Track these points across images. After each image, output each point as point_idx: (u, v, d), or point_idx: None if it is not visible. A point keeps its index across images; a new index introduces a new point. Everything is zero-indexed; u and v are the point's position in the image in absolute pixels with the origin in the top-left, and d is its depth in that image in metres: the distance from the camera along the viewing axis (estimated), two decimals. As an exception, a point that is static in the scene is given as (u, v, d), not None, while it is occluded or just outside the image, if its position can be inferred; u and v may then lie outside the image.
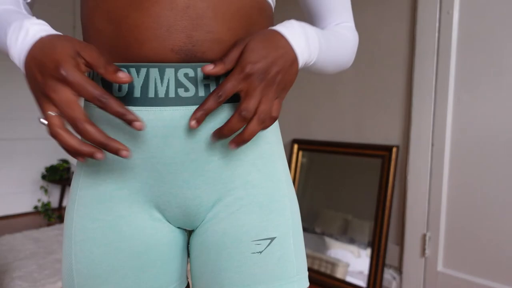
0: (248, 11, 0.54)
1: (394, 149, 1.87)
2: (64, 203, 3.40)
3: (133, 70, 0.50)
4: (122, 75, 0.44)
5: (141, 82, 0.50)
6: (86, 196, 0.55)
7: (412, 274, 1.81)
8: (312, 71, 0.60)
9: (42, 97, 0.45)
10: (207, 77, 0.50)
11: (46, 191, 3.32)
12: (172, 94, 0.50)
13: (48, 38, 0.45)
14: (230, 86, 0.46)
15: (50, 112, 0.44)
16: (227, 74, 0.50)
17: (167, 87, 0.50)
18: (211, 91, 0.50)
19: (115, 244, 0.53)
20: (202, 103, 0.48)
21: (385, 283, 1.89)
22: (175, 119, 0.50)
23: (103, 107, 0.44)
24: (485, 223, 1.60)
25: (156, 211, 0.55)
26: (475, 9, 1.60)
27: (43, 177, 3.23)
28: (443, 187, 1.71)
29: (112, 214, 0.53)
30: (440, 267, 1.73)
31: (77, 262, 0.54)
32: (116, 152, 0.44)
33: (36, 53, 0.45)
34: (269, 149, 0.59)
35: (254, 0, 0.54)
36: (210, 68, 0.47)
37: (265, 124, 0.49)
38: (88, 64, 0.45)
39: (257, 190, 0.56)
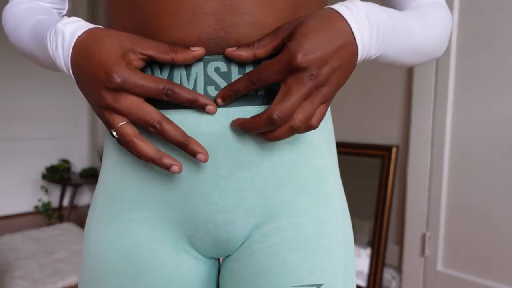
0: None
1: (394, 149, 1.87)
2: (64, 203, 3.40)
3: (155, 66, 0.42)
4: (195, 48, 0.39)
5: (165, 78, 0.41)
6: (102, 215, 0.47)
7: (412, 274, 1.81)
8: (383, 63, 0.46)
9: (105, 110, 0.39)
10: (243, 71, 0.41)
11: (46, 191, 3.32)
12: (200, 93, 0.41)
13: (88, 37, 0.39)
14: (270, 73, 0.37)
15: (120, 123, 0.39)
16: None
17: (194, 84, 0.41)
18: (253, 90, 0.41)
19: (130, 275, 0.45)
20: (232, 82, 0.40)
21: (385, 282, 1.89)
22: (202, 124, 0.41)
23: (172, 99, 0.38)
24: (485, 223, 1.60)
25: (182, 239, 0.46)
26: (475, 9, 1.60)
27: (44, 177, 3.23)
28: (443, 187, 1.71)
29: (131, 239, 0.45)
30: (439, 267, 1.73)
31: None
32: (194, 155, 0.38)
33: (81, 62, 0.39)
34: (322, 166, 0.47)
35: None
36: (232, 49, 0.40)
37: (299, 132, 0.38)
38: (148, 57, 0.39)
39: (304, 219, 0.45)
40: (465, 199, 1.65)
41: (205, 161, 0.39)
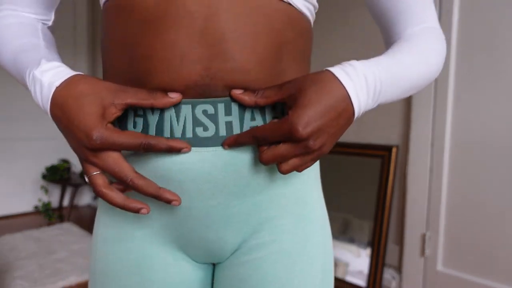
0: (276, 28, 0.45)
1: (394, 149, 1.87)
2: (64, 203, 3.41)
3: (148, 108, 0.43)
4: (173, 95, 0.42)
5: (156, 121, 0.43)
6: (107, 235, 0.51)
7: (412, 274, 1.81)
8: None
9: (84, 161, 0.43)
10: (229, 114, 0.44)
11: (46, 191, 3.32)
12: (189, 134, 0.43)
13: (67, 93, 0.41)
14: (273, 137, 0.40)
15: (93, 173, 0.43)
16: (250, 111, 0.44)
17: (184, 126, 0.43)
18: (233, 130, 0.44)
19: (139, 286, 0.49)
20: (239, 135, 0.43)
21: (384, 282, 1.89)
22: (192, 162, 0.44)
23: (149, 151, 0.42)
24: (485, 223, 1.60)
25: (179, 251, 0.50)
26: (475, 9, 1.60)
27: (44, 177, 3.23)
28: (443, 187, 1.71)
29: (135, 254, 0.49)
30: (439, 267, 1.73)
31: None
32: (168, 202, 0.43)
33: (60, 116, 0.42)
34: (304, 189, 0.52)
35: (282, 13, 0.45)
36: (239, 92, 0.43)
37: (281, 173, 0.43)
38: (128, 105, 0.42)
39: (287, 236, 0.49)
40: (465, 199, 1.65)
41: (179, 205, 0.44)
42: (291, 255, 0.49)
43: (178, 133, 0.43)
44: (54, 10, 0.59)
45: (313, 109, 0.39)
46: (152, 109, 0.43)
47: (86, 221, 3.07)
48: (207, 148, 0.44)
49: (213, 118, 0.43)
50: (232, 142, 0.43)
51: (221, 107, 0.43)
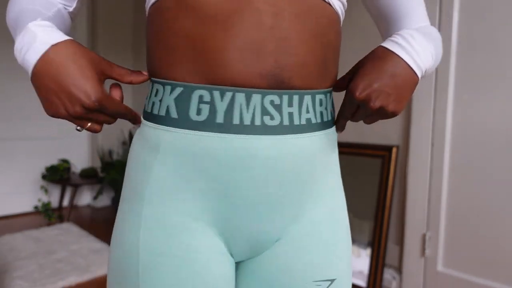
0: (322, 29, 0.50)
1: (394, 149, 1.87)
2: (64, 203, 3.40)
3: (216, 93, 0.46)
4: (145, 73, 0.51)
5: (225, 107, 0.46)
6: (154, 231, 0.48)
7: (412, 274, 1.81)
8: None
9: (73, 117, 0.46)
10: (291, 105, 0.48)
11: (46, 191, 3.32)
12: (258, 122, 0.46)
13: (64, 52, 0.44)
14: (347, 110, 0.53)
15: (88, 125, 0.48)
16: (306, 104, 0.50)
17: (253, 114, 0.46)
18: (294, 120, 0.48)
19: (188, 281, 0.48)
20: (341, 118, 0.54)
21: (385, 283, 1.89)
22: (260, 148, 0.46)
23: (133, 122, 0.51)
24: (485, 223, 1.60)
25: (224, 245, 0.51)
26: (475, 10, 1.60)
27: (43, 177, 3.23)
28: (443, 187, 1.71)
29: (184, 249, 0.48)
30: (440, 267, 1.73)
31: None
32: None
33: (54, 75, 0.44)
34: (335, 184, 0.57)
35: (327, 14, 0.50)
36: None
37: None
38: (110, 78, 0.48)
39: (323, 227, 0.54)
40: (465, 199, 1.65)
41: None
42: (326, 246, 0.54)
43: (247, 120, 0.46)
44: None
45: (369, 77, 0.48)
46: (222, 95, 0.46)
47: (86, 221, 3.07)
48: (273, 136, 0.47)
49: (278, 108, 0.47)
50: (343, 127, 0.55)
51: (285, 98, 0.47)
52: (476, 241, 1.62)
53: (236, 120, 0.46)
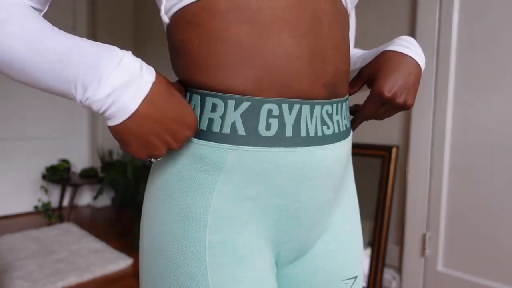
0: (348, 40, 0.53)
1: (394, 149, 1.87)
2: (64, 203, 3.40)
3: (285, 107, 0.43)
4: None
5: (293, 120, 0.44)
6: (221, 256, 0.45)
7: (412, 274, 1.81)
8: None
9: (163, 143, 0.42)
10: (337, 113, 0.50)
11: (46, 191, 3.32)
12: (319, 132, 0.47)
13: (164, 88, 0.41)
14: (371, 109, 0.58)
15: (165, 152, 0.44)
16: (344, 111, 0.53)
17: (315, 125, 0.46)
18: (340, 127, 0.51)
19: (241, 279, 0.45)
20: (354, 120, 0.59)
21: (385, 283, 1.89)
22: (323, 159, 0.47)
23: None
24: (485, 223, 1.60)
25: (274, 258, 0.51)
26: (475, 9, 1.60)
27: (43, 177, 3.23)
28: (443, 187, 1.71)
29: (255, 270, 0.46)
30: (440, 267, 1.73)
31: None
32: None
33: (162, 108, 0.40)
34: (354, 189, 0.61)
35: (347, 23, 0.54)
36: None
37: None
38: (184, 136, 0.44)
39: (350, 226, 0.57)
40: (465, 199, 1.65)
41: None
42: (354, 243, 0.57)
43: (312, 131, 0.46)
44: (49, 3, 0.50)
45: (393, 77, 0.54)
46: (290, 109, 0.44)
47: (86, 221, 3.07)
48: (331, 145, 0.48)
49: (331, 117, 0.49)
50: (357, 126, 0.60)
51: (335, 107, 0.49)
52: (476, 241, 1.62)
53: (303, 133, 0.45)
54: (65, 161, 3.33)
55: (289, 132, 0.44)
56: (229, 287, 0.44)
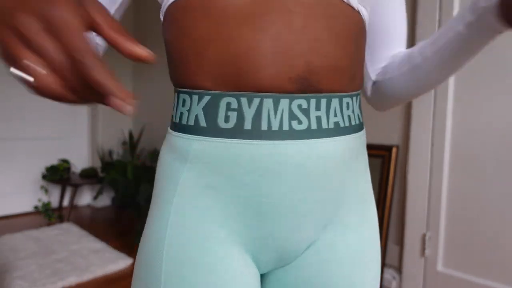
0: (357, 34, 0.49)
1: (394, 149, 1.87)
2: (64, 203, 3.40)
3: (244, 100, 0.44)
4: (142, 50, 0.29)
5: (253, 113, 0.45)
6: (179, 236, 0.47)
7: (412, 274, 1.81)
8: None
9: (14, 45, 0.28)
10: (318, 109, 0.46)
11: (46, 191, 3.32)
12: (286, 127, 0.45)
13: None
14: None
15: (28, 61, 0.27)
16: (334, 108, 0.48)
17: (281, 119, 0.45)
18: (322, 124, 0.47)
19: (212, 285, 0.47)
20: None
21: (385, 283, 1.89)
22: (289, 154, 0.45)
23: (81, 67, 0.27)
24: (485, 223, 1.60)
25: (249, 256, 0.50)
26: (475, 9, 1.60)
27: (43, 177, 3.23)
28: (443, 187, 1.71)
29: (210, 256, 0.47)
30: (440, 267, 1.73)
31: None
32: (123, 99, 0.27)
33: None
34: (368, 190, 0.55)
35: (354, 21, 0.49)
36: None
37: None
38: (93, 23, 0.29)
39: (354, 236, 0.52)
40: (465, 199, 1.65)
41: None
42: (356, 257, 0.51)
43: (275, 125, 0.45)
44: (113, 12, 0.53)
45: None
46: (249, 102, 0.44)
47: (86, 221, 3.07)
48: (301, 140, 0.45)
49: (306, 112, 0.46)
50: None
51: (313, 102, 0.46)
52: (476, 241, 1.62)
53: (264, 126, 0.45)
54: (65, 161, 3.33)
55: (248, 125, 0.45)
56: (178, 269, 0.47)
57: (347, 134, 0.50)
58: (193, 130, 0.47)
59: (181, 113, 0.48)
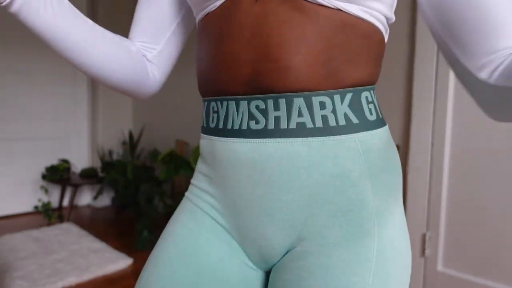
0: (323, 32, 0.47)
1: (394, 149, 1.87)
2: (64, 203, 3.40)
3: (219, 103, 0.53)
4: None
5: (224, 114, 0.53)
6: (183, 204, 0.61)
7: (412, 274, 1.81)
8: None
9: None
10: (277, 109, 0.48)
11: (46, 191, 3.32)
12: (244, 126, 0.50)
13: None
14: None
15: None
16: (298, 108, 0.47)
17: (241, 119, 0.51)
18: (280, 124, 0.48)
19: (193, 272, 0.55)
20: None
21: (385, 283, 1.89)
22: (244, 151, 0.50)
23: None
24: (485, 223, 1.60)
25: (236, 243, 0.56)
26: (475, 9, 1.60)
27: (43, 177, 3.23)
28: (443, 187, 1.71)
29: (196, 220, 0.58)
30: (440, 267, 1.73)
31: (157, 248, 0.59)
32: None
33: None
34: (361, 203, 0.48)
35: (331, 18, 0.47)
36: None
37: None
38: None
39: (337, 251, 0.47)
40: (465, 199, 1.65)
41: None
42: (333, 273, 0.46)
43: (236, 125, 0.51)
44: (166, 39, 0.68)
45: None
46: (221, 105, 0.53)
47: (86, 221, 3.07)
48: (257, 139, 0.49)
49: (264, 112, 0.49)
50: None
51: (270, 102, 0.48)
52: (476, 241, 1.62)
53: (229, 125, 0.52)
54: (65, 161, 3.34)
55: (221, 125, 0.53)
56: (166, 232, 0.59)
57: (319, 136, 0.47)
58: (203, 130, 0.58)
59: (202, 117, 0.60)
